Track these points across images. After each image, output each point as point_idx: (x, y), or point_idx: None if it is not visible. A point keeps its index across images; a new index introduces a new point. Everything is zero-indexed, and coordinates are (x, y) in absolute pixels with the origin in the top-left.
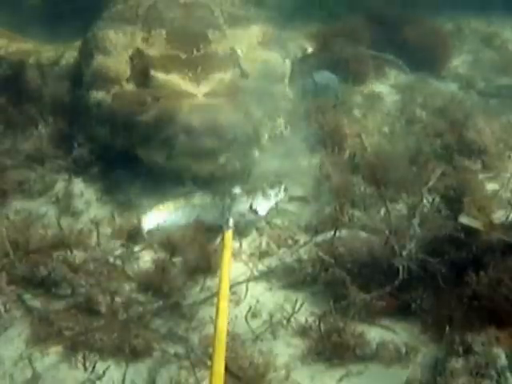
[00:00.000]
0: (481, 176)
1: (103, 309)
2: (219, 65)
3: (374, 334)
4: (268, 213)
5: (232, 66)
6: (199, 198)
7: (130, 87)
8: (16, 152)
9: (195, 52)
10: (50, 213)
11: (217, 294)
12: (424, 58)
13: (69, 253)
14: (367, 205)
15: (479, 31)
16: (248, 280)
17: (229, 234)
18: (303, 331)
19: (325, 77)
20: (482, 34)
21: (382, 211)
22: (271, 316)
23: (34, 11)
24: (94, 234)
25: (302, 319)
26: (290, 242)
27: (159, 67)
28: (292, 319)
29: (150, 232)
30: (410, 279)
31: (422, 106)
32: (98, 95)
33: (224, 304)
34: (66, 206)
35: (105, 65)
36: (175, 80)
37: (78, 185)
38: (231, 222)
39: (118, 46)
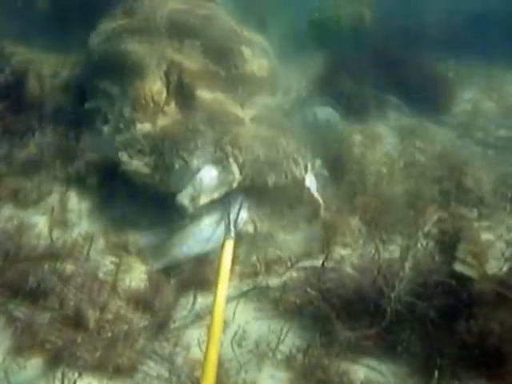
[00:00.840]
0: (476, 225)
1: (91, 324)
2: (260, 87)
3: (360, 373)
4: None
5: (271, 90)
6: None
7: (172, 110)
8: (13, 159)
9: (233, 70)
10: (43, 223)
11: (213, 301)
12: (425, 103)
13: (58, 264)
14: (360, 244)
15: (480, 82)
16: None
17: (230, 242)
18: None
19: (326, 112)
20: (482, 85)
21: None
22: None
23: (42, 15)
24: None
25: (287, 350)
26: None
27: (202, 85)
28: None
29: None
30: (397, 321)
31: (421, 151)
32: (145, 127)
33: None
34: (59, 217)
35: (143, 91)
36: (221, 100)
37: (73, 197)
38: (233, 231)
39: (148, 59)
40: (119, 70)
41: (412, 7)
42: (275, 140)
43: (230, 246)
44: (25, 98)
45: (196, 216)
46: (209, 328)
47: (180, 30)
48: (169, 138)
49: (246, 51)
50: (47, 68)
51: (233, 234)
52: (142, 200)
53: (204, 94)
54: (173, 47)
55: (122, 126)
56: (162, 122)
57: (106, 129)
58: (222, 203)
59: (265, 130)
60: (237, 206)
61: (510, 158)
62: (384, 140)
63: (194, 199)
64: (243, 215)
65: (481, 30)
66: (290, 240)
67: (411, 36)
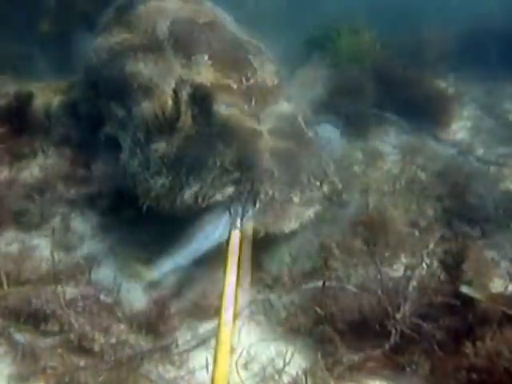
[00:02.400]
0: (480, 243)
1: (96, 347)
2: (272, 96)
3: None
4: None
5: (285, 97)
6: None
7: (187, 128)
8: (15, 182)
9: (245, 81)
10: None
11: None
12: (425, 119)
13: (60, 288)
14: (362, 263)
15: (479, 98)
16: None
17: (235, 233)
18: None
19: (327, 130)
20: (482, 101)
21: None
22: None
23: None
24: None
25: (293, 372)
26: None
27: (217, 100)
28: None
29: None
30: (404, 342)
31: (423, 168)
32: (159, 146)
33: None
34: (61, 240)
35: (154, 112)
36: (236, 114)
37: (77, 220)
38: (238, 223)
39: (155, 79)
40: (126, 94)
41: (409, 23)
42: (296, 154)
43: (236, 237)
44: (28, 122)
45: (196, 215)
46: (218, 324)
47: (185, 45)
48: (185, 157)
49: (254, 59)
50: (50, 91)
51: (239, 225)
52: (150, 224)
53: (220, 109)
54: (180, 64)
55: (138, 150)
56: (177, 140)
57: (122, 156)
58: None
59: (285, 143)
60: (240, 203)
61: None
62: (385, 157)
63: None
64: (250, 207)
65: (478, 45)
66: None
67: (409, 52)
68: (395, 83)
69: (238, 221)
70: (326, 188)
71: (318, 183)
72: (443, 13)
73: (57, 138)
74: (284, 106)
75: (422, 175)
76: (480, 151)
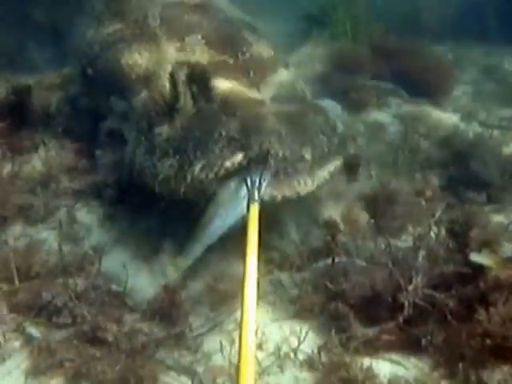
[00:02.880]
0: (486, 208)
1: (110, 337)
2: (270, 66)
3: (383, 368)
4: None
5: (283, 65)
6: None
7: (188, 107)
8: (18, 176)
9: (241, 56)
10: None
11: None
12: (426, 87)
13: (70, 280)
14: (370, 235)
15: (479, 62)
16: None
17: (254, 208)
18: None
19: (327, 104)
20: (481, 65)
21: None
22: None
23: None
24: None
25: (309, 350)
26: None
27: (215, 76)
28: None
29: None
30: (417, 313)
31: (425, 136)
32: (162, 130)
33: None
34: (68, 231)
35: (153, 97)
36: (236, 87)
37: (83, 211)
38: (257, 195)
39: (152, 67)
40: (125, 86)
41: None
42: (301, 114)
43: (255, 212)
44: (27, 116)
45: (210, 195)
46: (241, 304)
47: (177, 29)
48: (190, 134)
49: (248, 35)
50: (48, 84)
51: (257, 197)
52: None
53: (219, 84)
54: (175, 47)
55: (142, 138)
56: (179, 121)
57: (128, 149)
58: (238, 174)
59: (288, 106)
60: (258, 172)
61: None
62: (387, 128)
63: None
64: (266, 178)
65: (476, 9)
66: None
67: (407, 21)
68: (394, 53)
69: (256, 193)
70: (335, 142)
71: (327, 139)
72: None
73: (57, 130)
74: (284, 74)
75: (425, 144)
76: (482, 115)
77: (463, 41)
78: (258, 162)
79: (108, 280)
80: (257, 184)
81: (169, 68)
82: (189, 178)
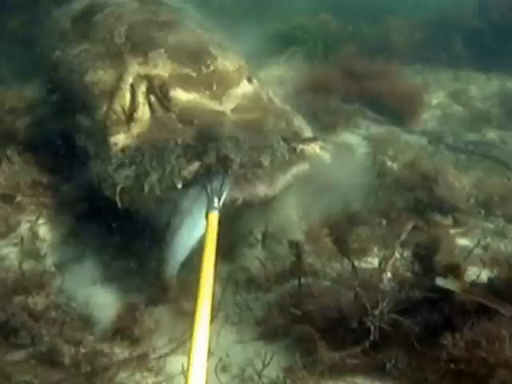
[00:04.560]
0: (452, 231)
1: (68, 359)
2: (234, 79)
3: None
4: None
5: (247, 79)
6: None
7: (146, 116)
8: None
9: (204, 69)
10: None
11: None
12: (395, 110)
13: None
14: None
15: (447, 86)
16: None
17: (214, 216)
18: None
19: None
20: (449, 89)
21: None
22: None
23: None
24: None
25: (273, 374)
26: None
27: (174, 87)
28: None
29: None
30: (383, 337)
31: (394, 159)
32: (119, 140)
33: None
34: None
35: (113, 109)
36: (196, 99)
37: (45, 227)
38: (216, 202)
39: (115, 82)
40: (89, 103)
41: (371, 10)
42: (262, 120)
43: (214, 220)
44: None
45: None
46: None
47: (142, 44)
48: (146, 144)
49: (214, 48)
50: (12, 108)
51: (216, 205)
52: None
53: (178, 95)
54: (137, 62)
55: (99, 150)
56: (136, 129)
57: (89, 163)
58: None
59: (249, 115)
60: (219, 178)
61: (481, 162)
62: (356, 150)
63: None
64: (227, 186)
65: (444, 34)
66: None
67: (376, 42)
68: (363, 75)
69: (216, 201)
70: (298, 148)
71: (289, 145)
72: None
73: (22, 146)
74: (246, 87)
75: (394, 166)
76: (450, 139)
77: (432, 65)
78: (215, 168)
79: (70, 299)
80: (217, 191)
81: (130, 80)
82: (146, 188)
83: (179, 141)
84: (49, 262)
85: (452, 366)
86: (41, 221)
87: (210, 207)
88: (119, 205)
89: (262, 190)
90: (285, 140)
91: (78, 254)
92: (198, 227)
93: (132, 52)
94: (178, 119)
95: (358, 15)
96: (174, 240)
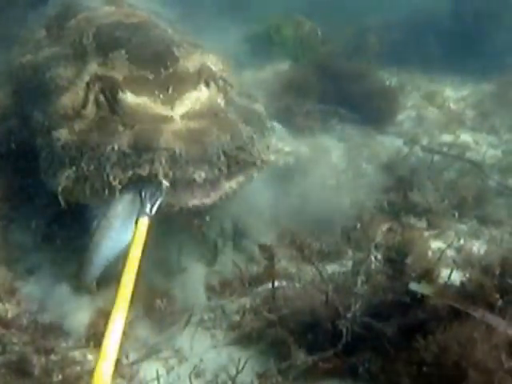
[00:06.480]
0: (426, 234)
1: (38, 368)
2: (192, 82)
3: None
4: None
5: (206, 82)
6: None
7: (90, 113)
8: None
9: (163, 71)
10: None
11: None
12: (370, 112)
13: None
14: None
15: (422, 88)
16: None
17: (144, 222)
18: None
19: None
20: (424, 90)
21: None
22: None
23: None
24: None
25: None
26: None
27: (126, 90)
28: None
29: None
30: (356, 341)
31: (368, 161)
32: (61, 135)
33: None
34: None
35: (62, 103)
36: (145, 102)
37: (16, 232)
38: (148, 208)
39: (71, 79)
40: (44, 98)
41: (347, 10)
42: (207, 132)
43: (143, 226)
44: None
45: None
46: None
47: (105, 45)
48: (86, 145)
49: (177, 50)
50: None
51: (148, 211)
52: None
53: (127, 98)
54: (97, 62)
55: (44, 144)
56: (79, 125)
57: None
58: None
59: (195, 123)
60: (154, 184)
61: (455, 164)
62: (331, 152)
63: None
64: (162, 192)
65: (420, 36)
66: None
67: (351, 44)
68: (339, 76)
69: (148, 206)
70: (238, 164)
71: (228, 160)
72: (383, 2)
73: None
74: (202, 91)
75: (369, 168)
76: (425, 140)
77: (407, 66)
78: (148, 180)
79: (41, 306)
80: (151, 197)
81: (86, 78)
82: (87, 191)
83: (116, 146)
84: (20, 267)
85: (424, 369)
86: (12, 226)
87: (140, 212)
88: (62, 204)
89: (198, 198)
90: (225, 154)
91: (50, 258)
92: (128, 231)
93: (95, 52)
94: (121, 122)
95: (333, 16)
96: (101, 242)
